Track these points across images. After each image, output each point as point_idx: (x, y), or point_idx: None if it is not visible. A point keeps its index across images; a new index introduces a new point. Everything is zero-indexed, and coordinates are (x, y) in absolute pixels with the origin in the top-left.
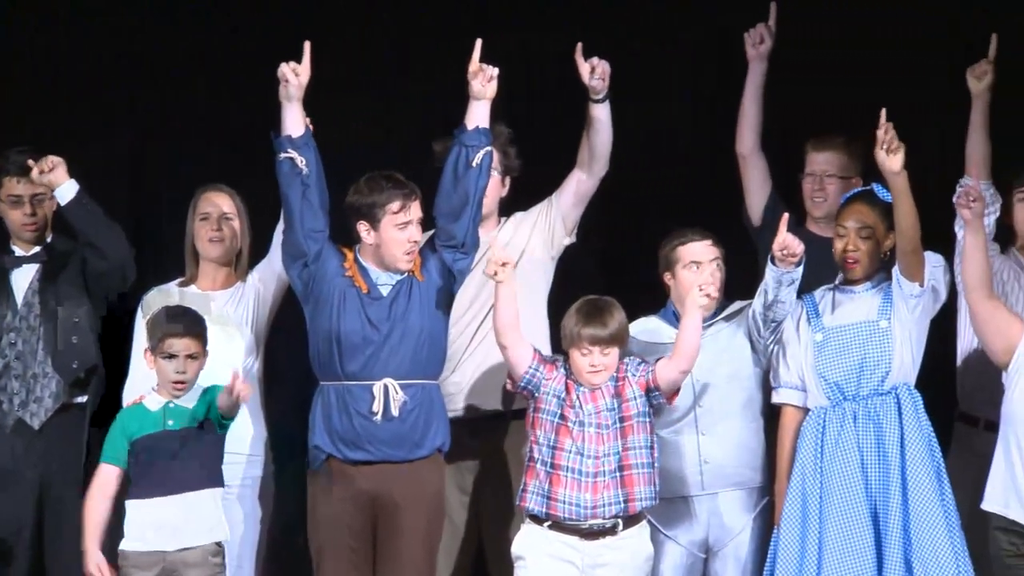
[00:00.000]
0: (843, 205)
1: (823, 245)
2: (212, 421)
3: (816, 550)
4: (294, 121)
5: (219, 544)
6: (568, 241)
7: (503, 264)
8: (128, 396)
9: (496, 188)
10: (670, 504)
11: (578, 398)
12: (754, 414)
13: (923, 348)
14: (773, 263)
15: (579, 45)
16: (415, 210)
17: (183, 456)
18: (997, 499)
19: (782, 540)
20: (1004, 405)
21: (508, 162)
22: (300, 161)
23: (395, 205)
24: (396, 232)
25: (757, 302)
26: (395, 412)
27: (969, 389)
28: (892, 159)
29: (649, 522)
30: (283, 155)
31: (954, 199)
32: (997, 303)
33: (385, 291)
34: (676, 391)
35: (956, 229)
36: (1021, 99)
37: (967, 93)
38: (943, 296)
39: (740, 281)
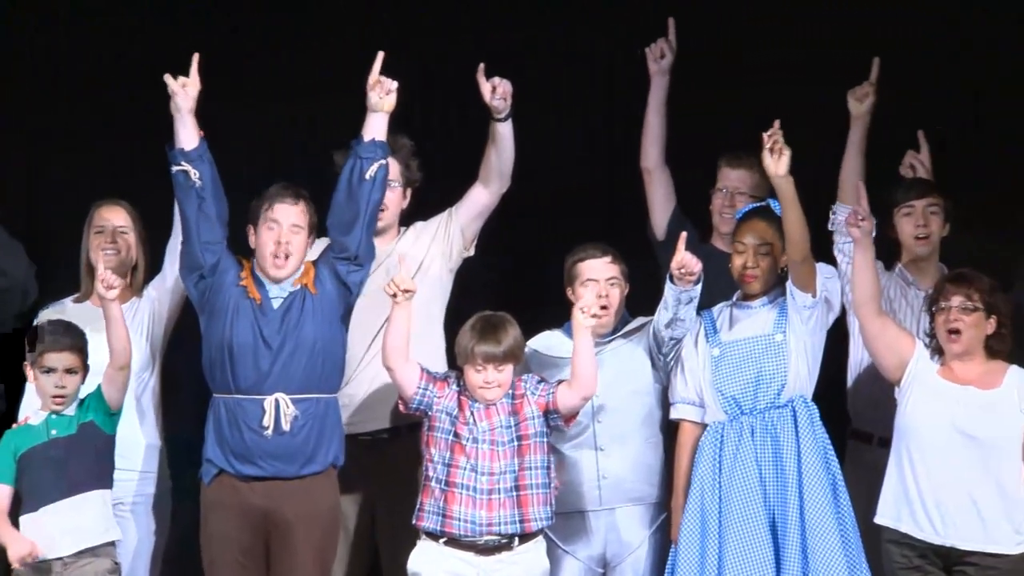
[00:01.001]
0: (740, 221)
1: (727, 260)
2: (96, 422)
3: (715, 565)
4: (186, 134)
5: (115, 562)
6: (467, 254)
7: (405, 291)
8: (23, 414)
9: (397, 200)
10: (568, 519)
11: (472, 415)
12: (653, 430)
13: (819, 361)
14: (672, 281)
15: (481, 66)
16: (288, 213)
17: (70, 461)
18: (889, 512)
19: (681, 556)
20: (897, 420)
21: (410, 174)
22: (194, 174)
23: (266, 204)
24: (265, 232)
25: (658, 318)
26: (286, 427)
27: (861, 406)
28: (777, 162)
29: (547, 536)
30: (176, 168)
31: (843, 220)
32: (887, 319)
33: (277, 303)
34: (574, 415)
35: (835, 253)
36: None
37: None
38: (836, 307)
39: (653, 297)
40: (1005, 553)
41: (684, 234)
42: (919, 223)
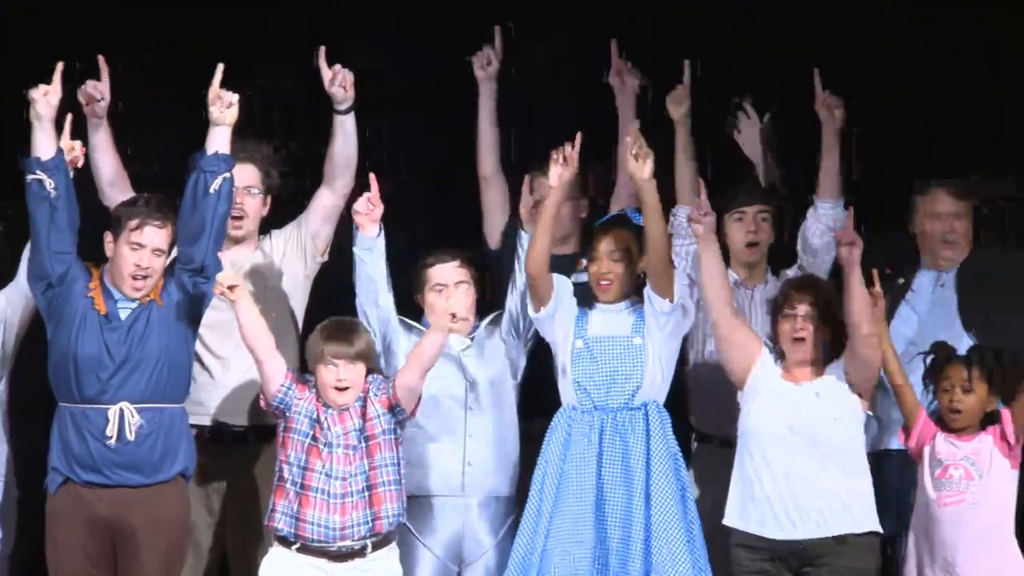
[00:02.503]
0: (597, 229)
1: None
2: None
3: (540, 554)
4: (43, 143)
5: None
6: (321, 259)
7: (230, 287)
8: None
9: (257, 207)
10: (428, 509)
11: (326, 420)
12: (515, 424)
13: (673, 367)
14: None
15: (322, 48)
16: (154, 238)
17: None
18: (736, 514)
19: (515, 542)
20: (741, 422)
21: (270, 181)
22: (48, 183)
23: (134, 222)
24: (127, 250)
25: (511, 300)
26: (130, 436)
27: (702, 408)
28: (642, 168)
29: (407, 527)
30: (31, 176)
31: (683, 222)
32: (739, 320)
33: (124, 314)
34: (418, 403)
35: (673, 256)
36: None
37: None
38: (692, 314)
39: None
40: (853, 533)
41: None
42: (750, 229)
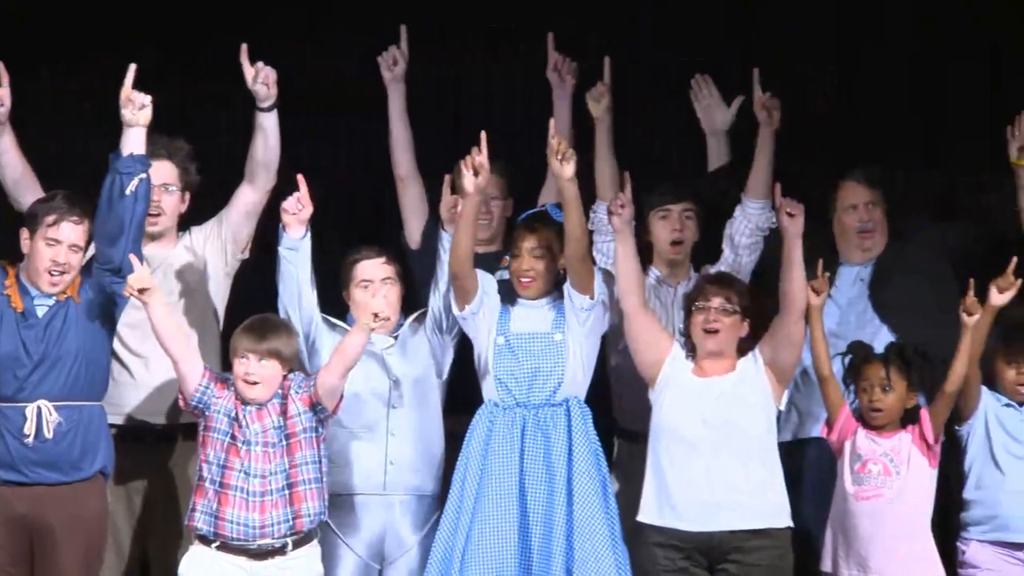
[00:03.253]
0: (519, 225)
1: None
2: None
3: (463, 547)
4: None
5: None
6: (242, 256)
7: (141, 289)
8: None
9: (175, 204)
10: (350, 507)
11: (245, 417)
12: (439, 421)
13: (593, 364)
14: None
15: (244, 47)
16: (71, 234)
17: None
18: (651, 510)
19: (435, 540)
20: (653, 418)
21: (188, 178)
22: None
23: (51, 218)
24: (43, 246)
25: (434, 299)
26: (48, 434)
27: (625, 406)
28: (564, 167)
29: (328, 525)
30: None
31: (603, 218)
32: (651, 314)
33: (41, 312)
34: (340, 402)
35: (595, 253)
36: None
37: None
38: (612, 310)
39: None
40: (768, 528)
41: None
42: (675, 227)
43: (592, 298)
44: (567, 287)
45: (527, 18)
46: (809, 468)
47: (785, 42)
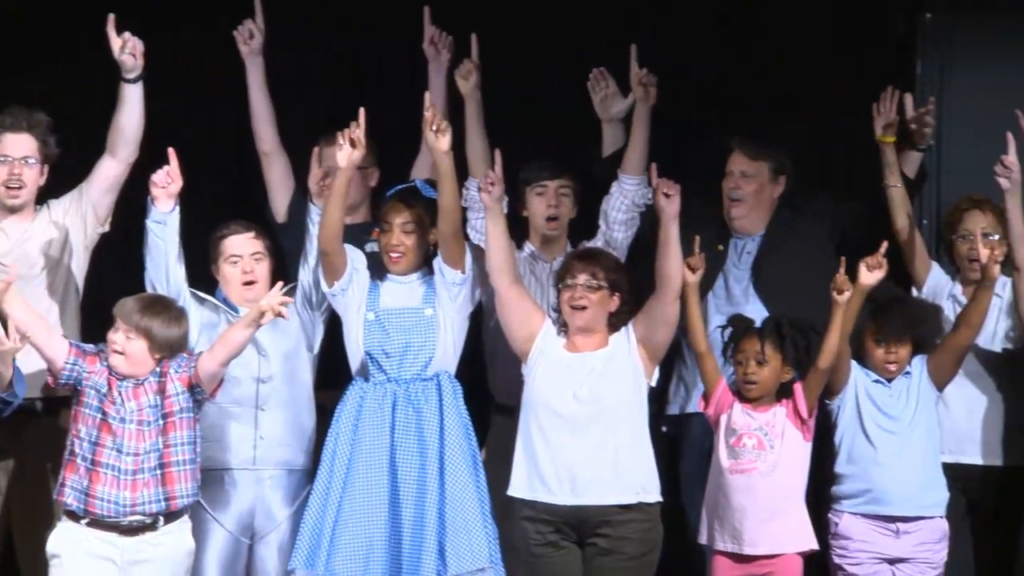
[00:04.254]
0: (389, 200)
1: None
2: None
3: (333, 523)
4: None
5: None
6: (102, 230)
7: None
8: None
9: (35, 177)
10: (220, 482)
11: (120, 394)
12: (311, 395)
13: (464, 338)
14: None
15: (111, 17)
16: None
17: None
18: (522, 484)
19: (304, 515)
20: (525, 393)
21: (47, 151)
22: None
23: None
24: None
25: (303, 274)
26: None
27: (500, 381)
28: (440, 140)
29: (199, 502)
30: None
31: (475, 195)
32: (522, 291)
33: None
34: (218, 385)
35: (468, 230)
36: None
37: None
38: (483, 285)
39: None
40: (637, 503)
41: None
42: (550, 203)
43: (464, 273)
44: (438, 262)
45: None
46: (693, 441)
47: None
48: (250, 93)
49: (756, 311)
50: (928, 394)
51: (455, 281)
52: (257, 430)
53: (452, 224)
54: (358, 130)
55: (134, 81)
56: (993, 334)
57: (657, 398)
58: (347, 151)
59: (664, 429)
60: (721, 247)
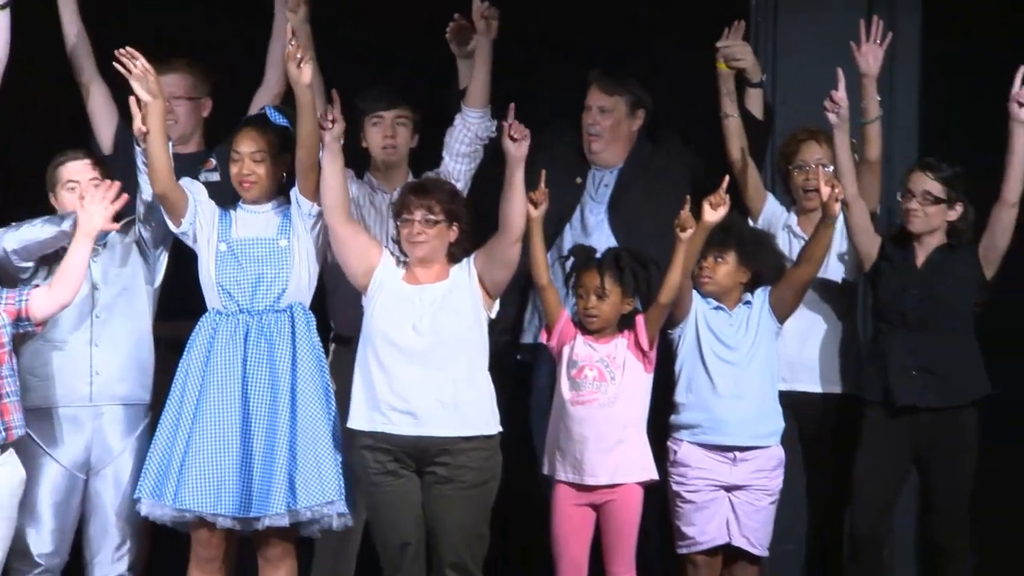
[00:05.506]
0: (239, 128)
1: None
2: None
3: (182, 454)
4: None
5: None
6: None
7: None
8: None
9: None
10: (55, 421)
11: None
12: (148, 328)
13: (318, 270)
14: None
15: None
16: None
17: None
18: (362, 417)
19: (152, 448)
20: (364, 324)
21: None
22: None
23: None
24: None
25: (139, 207)
26: None
27: (339, 310)
28: (302, 71)
29: (31, 438)
30: None
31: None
32: (357, 226)
33: None
34: (46, 320)
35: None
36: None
37: None
38: None
39: None
40: (477, 435)
41: None
42: (387, 134)
43: (319, 205)
44: (294, 192)
45: None
46: (540, 372)
47: None
48: (63, 25)
49: (608, 243)
50: (768, 325)
51: (311, 212)
52: (92, 366)
53: (309, 157)
54: (141, 59)
55: (3, 7)
56: (826, 264)
57: (512, 327)
58: (143, 85)
59: (519, 357)
60: (579, 180)
